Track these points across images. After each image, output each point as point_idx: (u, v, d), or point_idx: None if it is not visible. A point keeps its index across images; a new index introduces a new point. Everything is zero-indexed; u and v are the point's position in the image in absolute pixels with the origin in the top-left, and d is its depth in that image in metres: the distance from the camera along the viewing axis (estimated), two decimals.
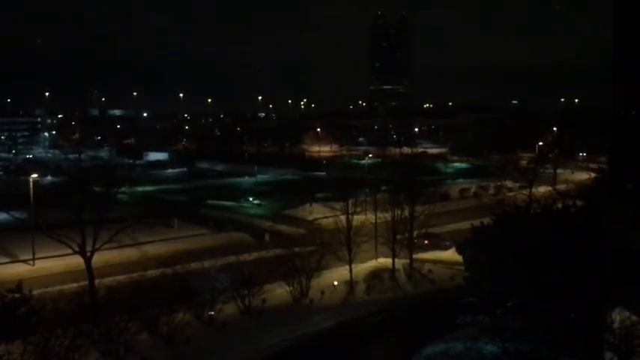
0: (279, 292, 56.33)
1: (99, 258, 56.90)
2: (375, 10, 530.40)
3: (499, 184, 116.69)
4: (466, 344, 42.63)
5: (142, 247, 72.82)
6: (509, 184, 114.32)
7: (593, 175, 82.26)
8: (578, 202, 51.06)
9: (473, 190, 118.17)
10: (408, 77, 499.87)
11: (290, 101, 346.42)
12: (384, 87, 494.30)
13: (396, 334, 51.11)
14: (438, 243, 73.26)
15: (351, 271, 61.63)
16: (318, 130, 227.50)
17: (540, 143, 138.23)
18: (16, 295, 40.75)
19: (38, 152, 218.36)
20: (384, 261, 66.80)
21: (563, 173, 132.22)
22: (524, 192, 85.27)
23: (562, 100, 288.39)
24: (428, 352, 44.52)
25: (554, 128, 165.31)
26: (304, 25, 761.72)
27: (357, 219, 69.76)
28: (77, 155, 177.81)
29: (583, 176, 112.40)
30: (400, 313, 54.84)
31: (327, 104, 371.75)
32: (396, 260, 64.93)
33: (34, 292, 43.12)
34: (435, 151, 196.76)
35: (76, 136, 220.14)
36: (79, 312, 40.55)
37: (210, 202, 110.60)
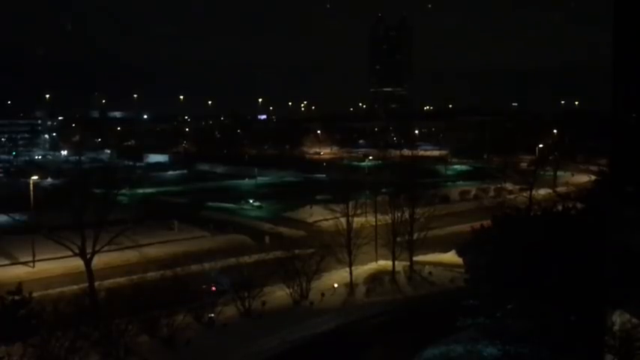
0: (279, 294, 56.33)
1: (99, 260, 57.04)
2: (376, 12, 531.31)
3: (499, 186, 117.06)
4: (466, 346, 42.55)
5: (142, 249, 72.84)
6: (509, 186, 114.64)
7: (593, 177, 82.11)
8: (579, 205, 50.98)
9: (473, 192, 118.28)
10: (409, 79, 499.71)
11: (290, 103, 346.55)
12: (385, 89, 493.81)
13: (396, 336, 51.02)
14: None
15: (351, 273, 61.64)
16: (319, 132, 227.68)
17: (540, 146, 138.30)
18: (16, 298, 40.75)
19: (39, 154, 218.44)
20: (384, 263, 66.80)
21: (564, 176, 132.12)
22: (525, 194, 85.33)
23: (562, 102, 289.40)
24: (428, 355, 44.47)
25: (555, 131, 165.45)
26: (304, 27, 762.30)
27: (358, 221, 69.83)
28: (77, 157, 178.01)
29: (583, 179, 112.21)
30: (400, 315, 54.80)
31: (328, 106, 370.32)
32: (396, 262, 64.93)
33: (34, 295, 43.09)
34: (435, 153, 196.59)
35: (77, 138, 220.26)
36: (79, 314, 40.54)
37: (210, 204, 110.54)
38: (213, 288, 53.27)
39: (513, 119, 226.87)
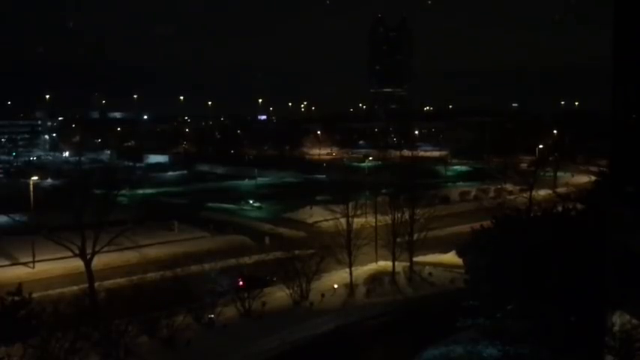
0: (280, 294, 56.35)
1: (99, 261, 57.03)
2: (375, 13, 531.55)
3: (499, 187, 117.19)
4: (466, 347, 42.58)
5: (142, 249, 72.84)
6: (509, 187, 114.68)
7: (593, 178, 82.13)
8: (579, 206, 51.02)
9: (473, 193, 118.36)
10: (408, 80, 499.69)
11: (290, 104, 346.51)
12: (384, 90, 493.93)
13: (396, 337, 51.08)
14: None
15: (351, 274, 61.63)
16: (319, 132, 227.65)
17: (540, 146, 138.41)
18: (16, 298, 40.69)
19: (38, 155, 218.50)
20: (384, 264, 66.80)
21: (564, 176, 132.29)
22: (525, 195, 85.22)
23: (562, 103, 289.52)
24: (428, 356, 44.50)
25: (555, 131, 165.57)
26: (304, 28, 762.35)
27: (358, 222, 69.83)
28: (77, 158, 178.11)
29: (583, 179, 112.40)
30: (400, 316, 54.80)
31: (328, 107, 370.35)
32: (396, 263, 64.93)
33: (34, 295, 43.04)
34: (435, 154, 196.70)
35: (77, 138, 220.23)
36: (79, 315, 40.53)
37: (210, 204, 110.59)
38: (241, 282, 53.71)
39: (513, 120, 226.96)
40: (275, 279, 55.99)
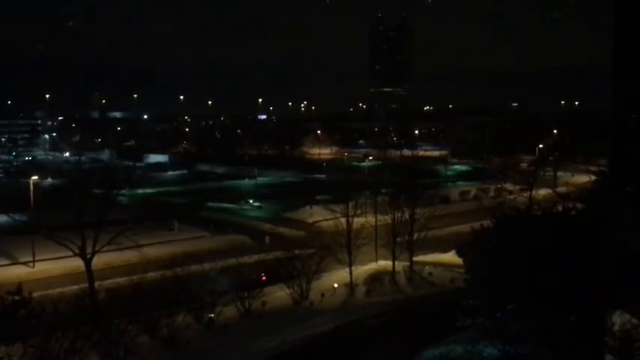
0: (280, 294, 56.37)
1: (99, 260, 57.01)
2: (376, 13, 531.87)
3: (499, 186, 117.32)
4: (466, 347, 42.60)
5: (142, 249, 72.87)
6: (509, 186, 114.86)
7: (593, 178, 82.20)
8: (579, 205, 51.09)
9: (473, 192, 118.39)
10: (409, 80, 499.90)
11: (290, 104, 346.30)
12: (385, 89, 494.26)
13: (396, 336, 51.07)
14: None
15: (351, 273, 61.65)
16: (319, 132, 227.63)
17: (540, 146, 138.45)
18: (16, 298, 40.74)
19: (38, 154, 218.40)
20: (384, 263, 66.81)
21: (564, 176, 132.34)
22: (525, 195, 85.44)
23: (562, 102, 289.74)
24: (428, 355, 44.49)
25: (555, 131, 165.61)
26: (304, 27, 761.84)
27: (358, 221, 69.87)
28: (77, 158, 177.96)
29: (583, 179, 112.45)
30: (400, 315, 54.80)
31: (328, 107, 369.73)
32: (396, 263, 64.94)
33: (34, 295, 43.08)
34: (435, 153, 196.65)
35: (77, 138, 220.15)
36: (79, 314, 40.55)
37: (210, 204, 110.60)
38: (264, 277, 53.73)
39: (513, 120, 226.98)
40: (295, 273, 56.26)
